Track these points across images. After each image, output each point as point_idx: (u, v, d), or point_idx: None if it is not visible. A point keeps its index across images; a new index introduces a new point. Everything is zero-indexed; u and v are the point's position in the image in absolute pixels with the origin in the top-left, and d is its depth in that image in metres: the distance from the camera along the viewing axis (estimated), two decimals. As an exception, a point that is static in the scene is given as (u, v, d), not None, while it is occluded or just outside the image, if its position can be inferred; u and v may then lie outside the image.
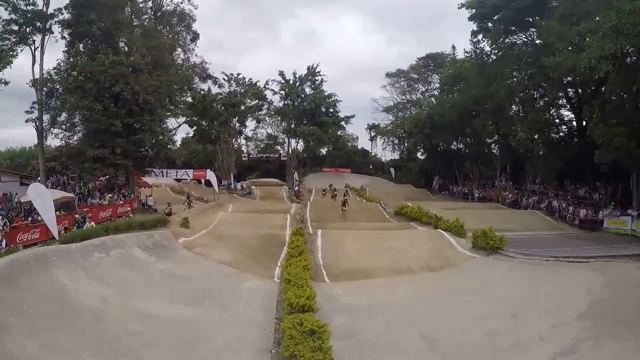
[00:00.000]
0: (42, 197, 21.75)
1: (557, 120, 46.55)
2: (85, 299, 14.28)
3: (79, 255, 17.03)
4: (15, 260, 14.44)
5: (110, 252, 18.95)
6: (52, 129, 37.93)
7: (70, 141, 37.98)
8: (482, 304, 16.33)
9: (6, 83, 35.20)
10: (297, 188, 56.06)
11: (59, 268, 15.45)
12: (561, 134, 46.88)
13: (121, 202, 34.01)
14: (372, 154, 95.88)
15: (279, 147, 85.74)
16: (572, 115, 45.94)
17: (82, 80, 35.71)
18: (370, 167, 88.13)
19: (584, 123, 42.10)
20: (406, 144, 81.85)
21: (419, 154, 79.81)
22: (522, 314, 14.85)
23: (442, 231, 27.84)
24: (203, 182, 58.21)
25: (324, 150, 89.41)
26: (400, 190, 62.08)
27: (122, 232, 22.53)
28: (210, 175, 49.51)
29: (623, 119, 30.50)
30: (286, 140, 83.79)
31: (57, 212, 24.69)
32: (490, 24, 47.69)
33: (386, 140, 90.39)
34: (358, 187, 62.29)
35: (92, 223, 24.05)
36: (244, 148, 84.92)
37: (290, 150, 79.17)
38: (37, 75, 37.19)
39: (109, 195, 34.04)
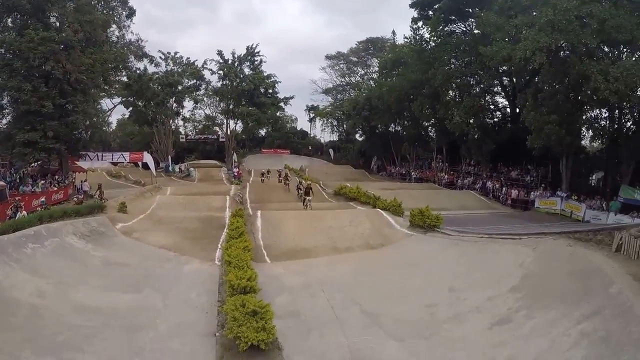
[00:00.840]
0: None
1: (492, 107, 48.77)
2: (21, 294, 13.76)
3: (11, 247, 16.26)
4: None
5: (45, 242, 18.26)
6: (-23, 112, 35.59)
7: None
8: (420, 279, 16.89)
9: None
10: (237, 170, 55.46)
11: None
12: (495, 119, 49.16)
13: (55, 188, 32.71)
14: (311, 135, 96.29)
15: (217, 129, 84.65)
16: (507, 102, 48.11)
17: (9, 58, 33.84)
18: (310, 148, 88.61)
19: (517, 110, 44.07)
20: (345, 126, 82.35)
21: (357, 136, 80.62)
22: (458, 287, 15.43)
23: (380, 210, 28.30)
24: (140, 165, 56.78)
25: (262, 132, 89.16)
26: (339, 171, 62.81)
27: (57, 220, 21.69)
28: (147, 157, 48.35)
29: (554, 107, 32.50)
30: (225, 121, 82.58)
31: (-15, 203, 23.57)
32: (430, 12, 49.51)
33: (325, 121, 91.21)
34: (297, 168, 62.45)
35: (24, 212, 22.99)
36: (181, 129, 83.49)
37: (228, 132, 78.03)
38: (-41, 54, 34.70)
39: (42, 182, 32.62)
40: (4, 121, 36.26)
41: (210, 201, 33.11)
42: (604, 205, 29.11)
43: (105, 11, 45.67)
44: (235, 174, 53.43)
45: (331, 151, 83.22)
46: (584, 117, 35.16)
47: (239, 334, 12.18)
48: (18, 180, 31.69)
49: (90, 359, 11.96)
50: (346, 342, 13.06)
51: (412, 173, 56.05)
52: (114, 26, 48.79)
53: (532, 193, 35.68)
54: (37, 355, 11.43)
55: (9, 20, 36.47)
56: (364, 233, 22.14)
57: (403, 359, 12.20)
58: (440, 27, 48.05)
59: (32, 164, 35.61)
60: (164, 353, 12.70)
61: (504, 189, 38.69)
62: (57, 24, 36.99)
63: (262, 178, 48.35)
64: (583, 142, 37.95)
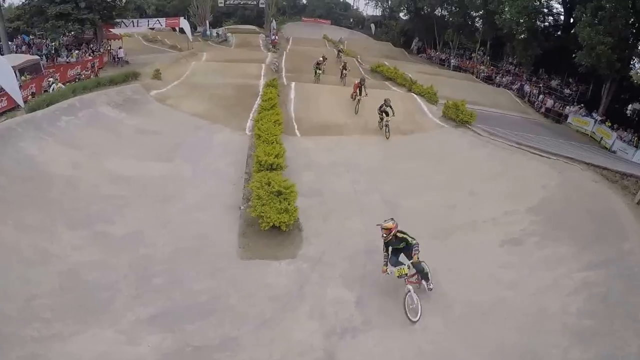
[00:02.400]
0: (1, 68, 20.33)
1: (545, 10, 43.74)
2: (55, 168, 14.08)
3: (45, 122, 16.43)
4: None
5: (79, 114, 18.41)
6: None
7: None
8: (444, 176, 16.45)
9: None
10: (274, 37, 53.54)
11: (26, 139, 14.96)
12: (546, 23, 44.30)
13: (90, 57, 32.42)
14: (354, 8, 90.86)
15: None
16: (562, 9, 43.21)
17: None
18: (351, 20, 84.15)
19: (572, 20, 39.73)
20: (390, 2, 77.12)
21: (401, 14, 75.46)
22: (479, 192, 15.04)
23: (415, 95, 27.12)
24: (177, 30, 55.50)
25: (304, 0, 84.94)
26: (379, 47, 59.55)
27: (91, 91, 21.62)
28: (184, 23, 46.96)
29: (612, 29, 29.40)
30: (266, -14, 79.04)
31: (22, 77, 23.49)
32: None
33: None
34: (336, 39, 59.83)
35: (60, 84, 22.92)
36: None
37: (269, -4, 74.98)
38: None
39: (77, 51, 32.24)
40: None
41: (245, 68, 32.23)
42: (634, 139, 27.22)
43: None
44: (272, 41, 51.88)
45: (372, 26, 78.65)
46: (640, 47, 32.43)
47: (262, 213, 12.37)
48: (54, 52, 31.37)
49: (120, 230, 12.46)
50: (363, 230, 13.10)
51: (452, 60, 53.00)
52: None
53: (568, 107, 33.53)
54: (70, 228, 11.93)
55: None
56: (396, 117, 21.43)
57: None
58: None
59: (67, 35, 34.95)
60: (190, 225, 13.12)
61: (540, 96, 36.42)
62: None
63: (318, 71, 31.13)
64: (631, 72, 34.77)
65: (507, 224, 13.28)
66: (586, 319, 9.47)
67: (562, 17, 43.93)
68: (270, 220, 12.27)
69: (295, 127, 21.35)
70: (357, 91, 23.06)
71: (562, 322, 9.58)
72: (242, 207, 13.88)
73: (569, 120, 32.26)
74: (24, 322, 8.98)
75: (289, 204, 12.68)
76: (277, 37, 53.78)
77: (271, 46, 49.97)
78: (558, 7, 44.11)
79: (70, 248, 11.31)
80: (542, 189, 14.52)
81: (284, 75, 33.01)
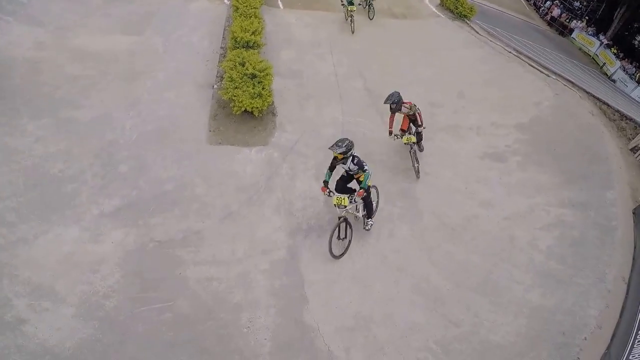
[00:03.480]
0: None
1: None
2: (17, 51, 12.85)
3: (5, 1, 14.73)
4: None
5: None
6: None
7: None
8: (433, 71, 15.27)
9: None
10: None
11: None
12: None
13: None
14: None
15: None
16: None
17: None
18: None
19: None
20: None
21: None
22: (467, 95, 13.96)
23: None
24: None
25: None
26: None
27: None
28: None
29: None
30: None
31: None
32: None
33: None
34: None
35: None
36: None
37: None
38: None
39: None
40: None
41: None
42: (637, 74, 24.59)
43: None
44: None
45: None
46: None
47: (233, 96, 11.60)
48: None
49: (86, 114, 11.74)
50: (341, 119, 12.49)
51: None
52: None
53: (574, 22, 30.29)
54: (35, 118, 11.21)
55: None
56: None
57: (392, 154, 11.73)
58: None
59: None
60: (159, 105, 12.37)
61: (548, 2, 32.82)
62: None
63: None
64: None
65: (492, 136, 12.66)
66: (554, 262, 9.33)
67: None
68: (243, 104, 11.56)
69: (278, -4, 19.34)
70: None
71: (529, 257, 9.45)
72: (215, 86, 13.05)
73: (573, 35, 29.77)
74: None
75: (263, 88, 11.84)
76: None
77: None
78: None
79: (34, 140, 10.67)
80: (535, 106, 13.65)
81: None
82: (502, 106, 13.59)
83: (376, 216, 9.93)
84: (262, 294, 8.46)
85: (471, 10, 19.80)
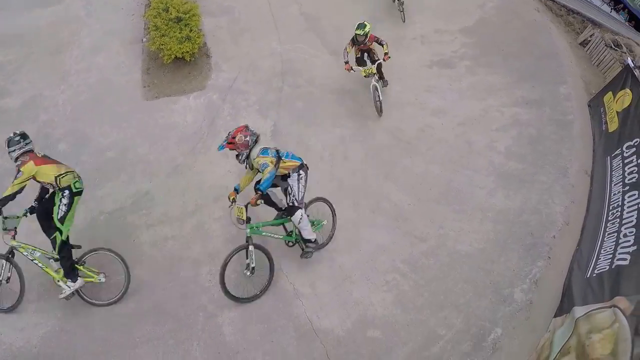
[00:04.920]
0: None
1: None
2: None
3: None
4: None
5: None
6: None
7: None
8: None
9: None
10: None
11: None
12: None
13: None
14: None
15: None
16: None
17: None
18: None
19: None
20: None
21: None
22: (407, 3, 12.52)
23: None
24: None
25: None
26: None
27: None
28: None
29: None
30: None
31: None
32: None
33: None
34: None
35: None
36: None
37: None
38: None
39: None
40: None
41: None
42: None
43: None
44: None
45: None
46: None
47: (161, 45, 10.75)
48: None
49: (16, 100, 10.92)
50: (279, 49, 11.64)
51: None
52: None
53: None
54: None
55: None
56: None
57: (335, 78, 10.91)
58: None
59: None
60: (90, 72, 11.49)
61: None
62: None
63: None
64: None
65: (437, 44, 11.74)
66: (514, 162, 8.82)
67: None
68: (172, 52, 10.74)
69: None
70: None
71: (488, 160, 8.92)
72: (144, 40, 12.07)
73: None
74: None
75: (190, 31, 10.94)
76: None
77: None
78: None
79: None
80: (479, 9, 12.56)
81: None
82: (445, 12, 12.57)
83: (328, 141, 9.36)
84: (219, 244, 7.98)
85: None
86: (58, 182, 6.87)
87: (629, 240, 6.61)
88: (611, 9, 13.10)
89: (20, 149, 6.92)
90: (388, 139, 9.62)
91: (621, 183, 7.71)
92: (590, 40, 11.79)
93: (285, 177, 7.10)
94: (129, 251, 7.84)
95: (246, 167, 7.16)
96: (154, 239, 8.17)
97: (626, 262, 6.27)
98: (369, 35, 9.61)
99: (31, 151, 7.03)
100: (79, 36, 12.54)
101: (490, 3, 12.79)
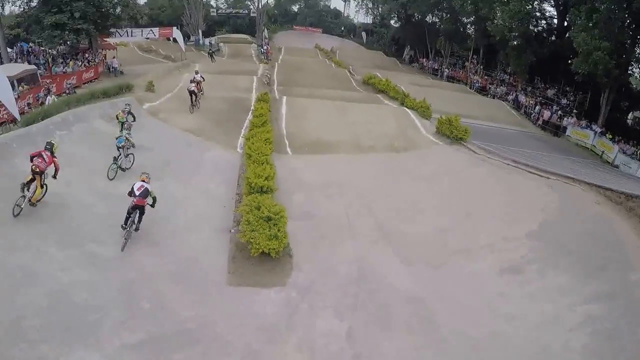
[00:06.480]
0: None
1: (538, 13, 41.72)
2: (49, 184, 13.68)
3: (40, 137, 15.73)
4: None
5: (73, 128, 18.03)
6: (6, -5, 33.81)
7: (30, 8, 33.92)
8: (439, 196, 16.44)
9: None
10: (267, 47, 53.18)
11: (20, 155, 14.31)
12: (539, 28, 42.59)
13: (85, 68, 32.06)
14: (345, 15, 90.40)
15: (249, 3, 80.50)
16: (555, 12, 41.76)
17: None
18: (342, 29, 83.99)
19: (566, 24, 38.76)
20: (380, 9, 76.41)
21: (392, 22, 74.86)
22: (475, 215, 14.90)
23: (408, 110, 27.02)
24: (171, 39, 55.26)
25: (295, 8, 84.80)
26: (370, 56, 59.52)
27: (85, 104, 21.11)
28: (177, 33, 46.56)
29: (608, 33, 27.87)
30: (257, -6, 79.22)
31: (20, 87, 23.15)
32: None
33: (360, 2, 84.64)
34: (328, 48, 59.84)
35: (54, 97, 22.61)
36: (212, 3, 79.95)
37: (260, 6, 74.74)
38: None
39: (72, 62, 31.88)
40: (33, 4, 34.12)
41: (237, 81, 32.04)
42: (637, 152, 25.82)
43: None
44: (265, 51, 51.66)
45: (364, 34, 78.29)
46: (638, 51, 30.91)
47: (251, 239, 12.25)
48: (50, 61, 31.02)
49: (110, 251, 12.26)
50: (355, 255, 13.10)
51: (445, 70, 52.36)
52: None
53: (566, 119, 32.46)
54: (60, 248, 11.70)
55: None
56: (389, 133, 21.40)
57: (408, 287, 12.15)
58: None
59: (62, 45, 34.58)
60: (180, 247, 13.00)
61: (537, 107, 35.30)
62: None
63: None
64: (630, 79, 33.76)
65: (505, 251, 13.19)
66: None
67: (555, 21, 42.93)
68: (260, 246, 12.17)
69: (287, 144, 21.17)
70: None
71: None
72: (232, 230, 13.77)
73: (567, 132, 31.52)
74: (10, 342, 8.84)
75: (278, 230, 12.56)
76: (269, 47, 53.62)
77: (263, 57, 49.86)
78: (551, 10, 43.01)
79: (59, 268, 11.07)
80: (542, 211, 14.39)
81: (275, 88, 33.06)
82: (509, 219, 14.19)
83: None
84: None
85: (466, 132, 21.53)
86: None
87: None
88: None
89: None
90: (460, 344, 10.18)
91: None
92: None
93: None
94: None
95: None
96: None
97: None
98: None
99: None
100: (173, 213, 14.40)
101: (551, 204, 14.41)
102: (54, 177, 13.11)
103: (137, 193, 12.87)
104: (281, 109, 25.43)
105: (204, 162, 18.53)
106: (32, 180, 12.41)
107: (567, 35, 35.64)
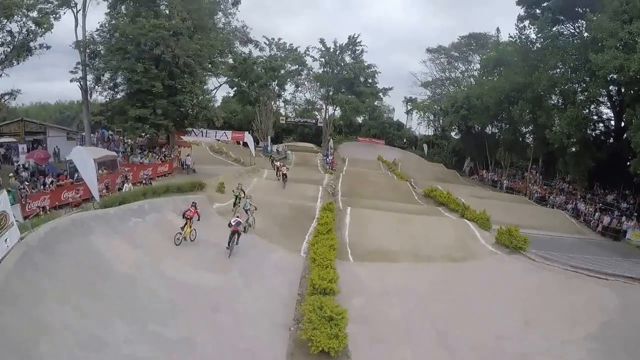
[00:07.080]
0: (83, 159, 22.00)
1: (595, 117, 42.61)
2: (119, 265, 14.55)
3: (116, 220, 17.27)
4: (55, 227, 14.57)
5: (147, 217, 19.32)
6: (96, 87, 37.90)
7: (114, 99, 37.99)
8: (497, 304, 16.32)
9: (48, 47, 34.83)
10: (331, 157, 55.48)
11: (97, 233, 15.67)
12: (597, 132, 43.28)
13: (161, 161, 34.51)
14: (407, 127, 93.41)
15: (316, 113, 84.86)
16: (612, 114, 42.53)
17: (123, 42, 35.43)
18: (404, 140, 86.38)
19: (623, 124, 38.69)
20: (441, 121, 79.25)
21: (452, 133, 77.10)
22: (533, 322, 14.73)
23: (467, 221, 27.57)
24: (241, 143, 58.51)
25: (359, 119, 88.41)
26: (431, 169, 61.46)
27: (160, 196, 22.76)
28: (248, 138, 49.66)
29: None
30: (324, 106, 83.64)
31: (100, 171, 25.26)
32: (538, 11, 43.93)
33: (422, 115, 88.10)
34: (390, 160, 61.65)
35: (130, 185, 24.45)
36: (282, 111, 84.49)
37: (327, 117, 78.60)
38: (79, 37, 36.88)
39: (150, 153, 34.47)
40: (119, 96, 38.03)
41: (303, 189, 33.78)
42: None
43: (212, -1, 46.71)
44: (330, 162, 53.72)
45: (425, 146, 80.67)
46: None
47: (312, 336, 12.48)
48: (129, 151, 33.69)
49: (171, 332, 12.68)
50: None
51: (504, 181, 53.25)
52: (220, 14, 49.70)
53: (625, 223, 32.23)
54: (125, 322, 12.23)
55: (123, 7, 37.81)
56: (448, 244, 21.70)
57: None
58: (548, 28, 42.42)
59: (142, 137, 37.63)
60: (240, 338, 13.25)
61: (597, 214, 35.26)
62: (167, 11, 38.22)
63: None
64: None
65: (563, 355, 12.88)
66: None
67: (612, 122, 42.86)
68: (320, 344, 12.30)
69: (349, 252, 21.64)
70: None
71: None
72: (292, 328, 13.98)
73: (627, 236, 30.88)
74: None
75: (339, 330, 12.72)
76: (334, 157, 55.66)
77: (328, 167, 51.73)
78: (608, 112, 43.19)
79: (123, 340, 11.50)
80: (601, 312, 14.14)
81: (339, 198, 34.23)
82: (568, 321, 13.89)
83: None
84: None
85: (525, 242, 21.44)
86: None
87: None
88: None
89: None
90: None
91: None
92: None
93: None
94: None
95: None
96: None
97: None
98: None
99: None
100: (235, 306, 14.87)
101: (610, 304, 14.01)
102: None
103: (232, 224, 18.72)
104: (345, 219, 26.25)
105: (268, 262, 19.21)
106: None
107: (624, 136, 35.68)
